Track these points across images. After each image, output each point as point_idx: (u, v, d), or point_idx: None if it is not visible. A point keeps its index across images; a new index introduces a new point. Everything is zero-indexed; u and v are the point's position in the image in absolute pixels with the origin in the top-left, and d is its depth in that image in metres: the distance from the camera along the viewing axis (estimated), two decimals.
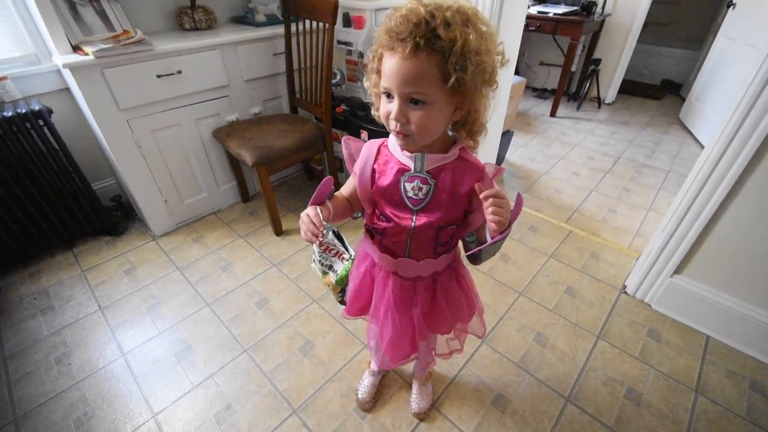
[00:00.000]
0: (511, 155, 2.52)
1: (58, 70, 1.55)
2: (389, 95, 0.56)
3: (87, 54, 1.32)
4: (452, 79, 0.51)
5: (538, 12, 2.98)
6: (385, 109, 0.57)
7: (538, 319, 1.38)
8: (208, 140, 1.77)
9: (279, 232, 1.79)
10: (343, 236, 0.68)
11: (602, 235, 1.79)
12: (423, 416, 1.09)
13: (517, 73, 2.62)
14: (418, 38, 0.49)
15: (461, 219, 0.70)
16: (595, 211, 1.97)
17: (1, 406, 1.12)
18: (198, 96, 1.65)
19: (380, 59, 0.56)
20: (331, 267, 0.72)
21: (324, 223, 0.65)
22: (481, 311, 0.87)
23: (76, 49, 1.38)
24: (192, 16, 1.72)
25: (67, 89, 1.61)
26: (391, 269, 0.76)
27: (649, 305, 1.42)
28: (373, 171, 0.68)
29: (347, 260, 0.68)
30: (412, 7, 0.50)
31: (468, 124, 0.61)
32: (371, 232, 0.76)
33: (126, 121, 1.49)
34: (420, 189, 0.64)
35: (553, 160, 2.51)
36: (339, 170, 2.02)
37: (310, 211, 0.66)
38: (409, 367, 1.20)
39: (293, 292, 1.49)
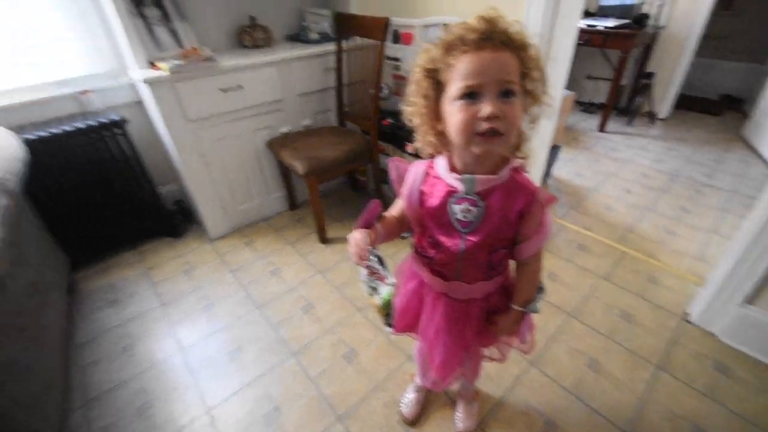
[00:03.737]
0: (558, 170, 2.46)
1: (133, 84, 1.71)
2: (472, 96, 0.54)
3: (162, 69, 1.44)
4: (530, 74, 0.57)
5: (587, 25, 2.91)
6: (469, 113, 0.55)
7: (590, 344, 1.32)
8: (262, 150, 1.87)
9: (324, 240, 1.84)
10: (384, 261, 0.69)
11: (660, 258, 1.70)
12: None
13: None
14: (501, 36, 0.53)
15: (512, 242, 0.69)
16: (652, 232, 1.87)
17: (77, 389, 1.21)
18: (255, 109, 1.75)
19: (445, 70, 0.57)
20: (375, 289, 0.72)
21: (368, 247, 0.67)
22: (531, 327, 0.84)
23: (151, 65, 1.52)
24: (252, 35, 1.84)
25: (140, 102, 1.76)
26: (442, 291, 0.76)
27: (716, 336, 1.32)
28: (421, 193, 0.69)
29: (389, 285, 0.68)
30: (481, 15, 0.55)
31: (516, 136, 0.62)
32: (419, 257, 0.77)
33: (192, 132, 1.60)
34: (469, 211, 0.64)
35: (603, 176, 2.41)
36: (383, 182, 2.06)
37: (357, 235, 0.67)
38: (455, 384, 1.18)
39: (338, 300, 1.52)
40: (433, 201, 0.66)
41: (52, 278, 1.40)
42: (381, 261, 0.68)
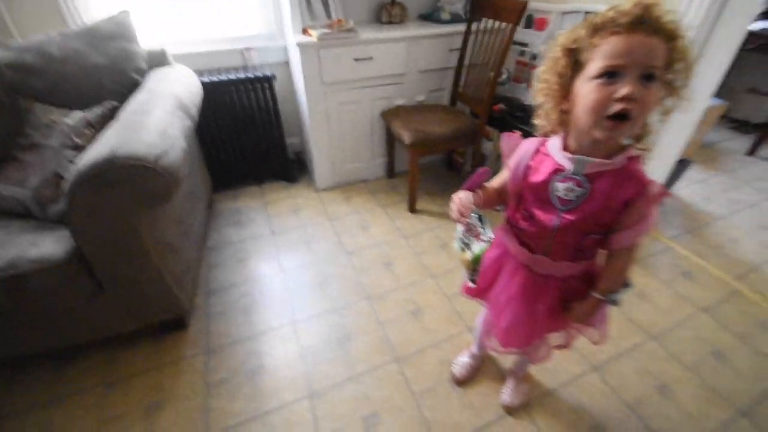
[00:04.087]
0: (681, 189, 2.19)
1: (285, 47, 2.01)
2: (612, 75, 0.56)
3: (312, 36, 1.68)
4: (675, 66, 0.57)
5: (762, 29, 2.44)
6: (605, 93, 0.57)
7: (666, 369, 1.24)
8: (376, 118, 2.05)
9: (413, 209, 1.98)
10: (484, 219, 0.76)
11: None
12: (512, 410, 1.12)
13: (716, 95, 2.20)
14: (654, 23, 0.55)
15: (607, 229, 0.69)
16: None
17: (203, 281, 1.57)
18: (379, 80, 1.92)
19: (587, 49, 0.60)
20: (468, 246, 0.81)
21: (472, 206, 0.75)
22: (604, 320, 0.86)
23: (304, 31, 1.77)
24: (390, 11, 2.00)
25: (287, 62, 2.06)
26: (524, 262, 0.81)
27: None
28: (528, 167, 0.73)
29: (485, 242, 0.76)
30: (637, 0, 0.56)
31: (641, 127, 0.63)
32: (510, 227, 0.82)
33: (324, 93, 1.84)
34: (572, 191, 0.66)
35: (738, 206, 2.08)
36: (481, 166, 2.09)
37: (462, 195, 0.76)
38: (508, 360, 1.24)
39: (415, 264, 1.65)
40: (538, 176, 0.71)
41: (200, 192, 1.78)
42: (482, 219, 0.76)
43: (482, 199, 0.79)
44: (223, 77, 1.82)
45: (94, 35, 1.33)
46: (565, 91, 0.65)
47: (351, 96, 1.92)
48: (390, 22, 2.02)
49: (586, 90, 0.60)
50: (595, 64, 0.58)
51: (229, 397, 1.16)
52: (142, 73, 1.42)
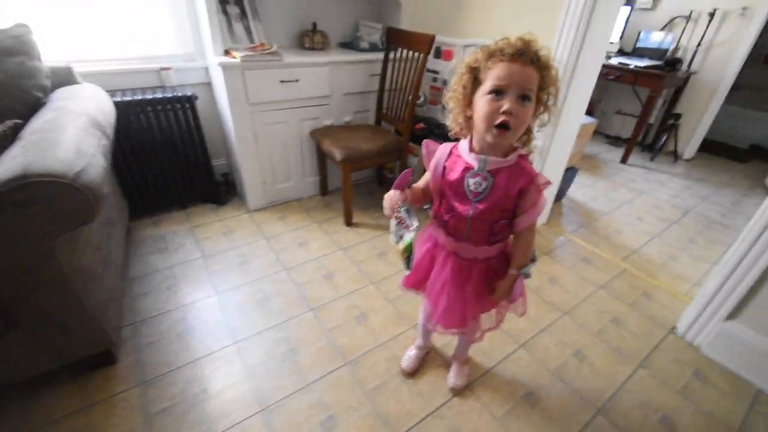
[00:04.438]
0: (574, 192, 2.59)
1: (206, 68, 1.99)
2: (498, 93, 0.72)
3: (235, 57, 1.70)
4: (547, 89, 0.75)
5: (620, 63, 3.07)
6: (493, 106, 0.72)
7: (578, 339, 1.45)
8: (305, 138, 2.10)
9: (349, 223, 2.04)
10: (411, 211, 0.87)
11: (658, 278, 1.80)
12: (458, 392, 1.21)
13: (590, 114, 2.69)
14: (531, 55, 0.72)
15: (511, 214, 0.86)
16: (655, 256, 1.98)
17: (128, 312, 1.44)
18: (306, 101, 2.00)
19: (484, 70, 0.75)
20: (401, 237, 0.90)
21: (399, 201, 0.86)
22: (523, 293, 1.00)
23: (226, 53, 1.78)
24: (312, 38, 2.10)
25: (208, 84, 2.04)
26: (452, 250, 0.94)
27: (699, 348, 1.42)
28: (444, 167, 0.87)
29: (413, 231, 0.86)
30: (520, 36, 0.73)
31: (526, 133, 0.81)
32: (437, 221, 0.95)
33: (251, 114, 1.85)
34: (480, 184, 0.82)
35: (617, 203, 2.53)
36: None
37: (392, 193, 0.87)
38: (450, 349, 1.33)
39: (355, 273, 1.70)
40: (454, 174, 0.85)
41: (116, 217, 1.64)
42: (409, 212, 0.86)
43: (409, 196, 0.89)
44: (138, 97, 1.73)
45: None
46: (468, 100, 0.81)
47: (278, 117, 1.95)
48: (312, 48, 2.12)
49: (481, 102, 0.75)
50: (487, 82, 0.74)
51: (174, 426, 1.07)
52: (46, 90, 1.30)
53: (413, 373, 1.26)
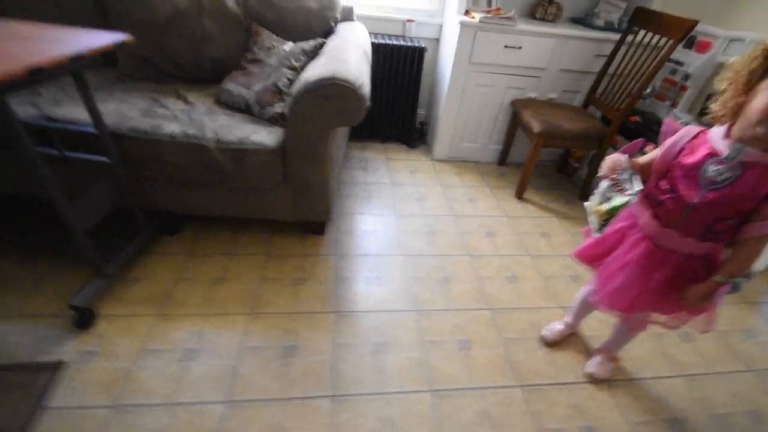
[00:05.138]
0: None
1: (440, 25, 2.21)
2: None
3: (474, 18, 1.86)
4: None
5: None
6: None
7: (760, 400, 1.24)
8: (504, 106, 2.18)
9: (520, 196, 2.09)
10: (635, 176, 0.87)
11: None
12: (594, 380, 1.22)
13: None
14: None
15: (741, 218, 0.78)
16: None
17: (336, 205, 1.86)
18: (519, 70, 2.05)
19: None
20: (609, 199, 0.92)
21: (625, 165, 0.88)
22: (715, 308, 0.92)
23: (466, 12, 1.95)
24: (546, 9, 2.10)
25: (437, 40, 2.27)
26: (651, 234, 0.91)
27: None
28: (682, 149, 0.84)
29: (628, 196, 0.86)
30: None
31: None
32: (647, 200, 0.93)
33: (467, 73, 2.02)
34: (722, 174, 0.76)
35: None
36: (596, 174, 2.12)
37: (618, 155, 0.89)
38: (596, 342, 1.33)
39: (514, 241, 1.78)
40: (692, 158, 0.81)
41: (344, 132, 2.07)
42: (632, 176, 0.88)
43: (635, 164, 0.90)
44: (386, 41, 2.08)
45: None
46: (748, 87, 0.75)
47: (489, 80, 2.07)
48: (543, 19, 2.12)
49: (764, 94, 0.70)
50: None
51: (350, 290, 1.42)
52: (336, 22, 1.72)
53: (552, 345, 1.32)
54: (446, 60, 2.09)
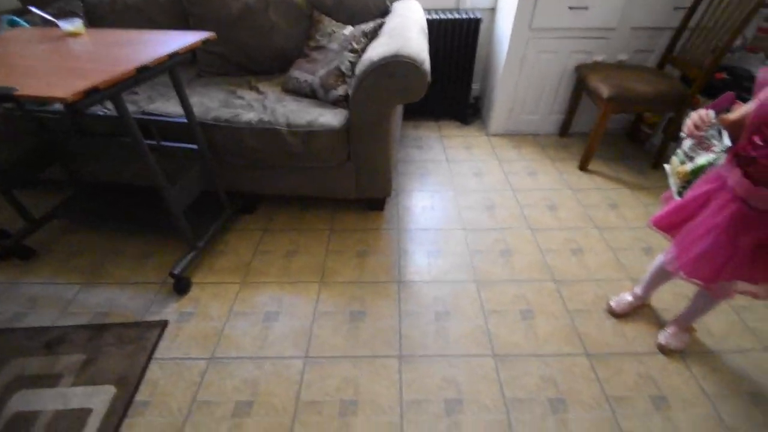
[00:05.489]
0: None
1: None
2: None
3: None
4: None
5: None
6: None
7: None
8: (568, 72, 2.06)
9: (584, 167, 1.99)
10: (723, 132, 0.81)
11: None
12: (666, 351, 1.18)
13: None
14: None
15: None
16: None
17: (394, 182, 1.92)
18: (585, 32, 1.92)
19: None
20: (692, 158, 0.87)
21: (713, 121, 0.82)
22: None
23: None
24: None
25: (492, 9, 2.19)
26: (743, 194, 0.84)
27: None
28: None
29: (715, 153, 0.80)
30: None
31: None
32: (738, 158, 0.86)
33: (527, 40, 1.94)
34: None
35: None
36: (673, 140, 1.95)
37: (704, 112, 0.83)
38: (669, 314, 1.27)
39: (580, 213, 1.72)
40: None
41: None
42: (720, 131, 0.83)
43: (725, 120, 0.83)
44: (440, 15, 2.05)
45: None
46: None
47: (551, 45, 1.97)
48: None
49: None
50: None
51: (412, 262, 1.49)
52: (392, 1, 1.74)
53: (620, 316, 1.28)
54: (504, 29, 2.02)
